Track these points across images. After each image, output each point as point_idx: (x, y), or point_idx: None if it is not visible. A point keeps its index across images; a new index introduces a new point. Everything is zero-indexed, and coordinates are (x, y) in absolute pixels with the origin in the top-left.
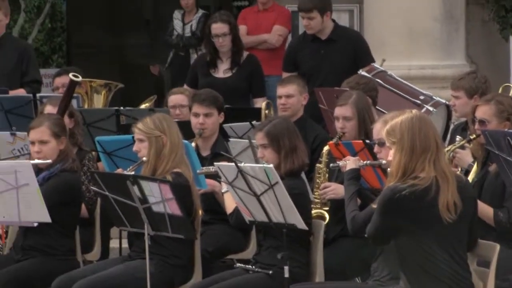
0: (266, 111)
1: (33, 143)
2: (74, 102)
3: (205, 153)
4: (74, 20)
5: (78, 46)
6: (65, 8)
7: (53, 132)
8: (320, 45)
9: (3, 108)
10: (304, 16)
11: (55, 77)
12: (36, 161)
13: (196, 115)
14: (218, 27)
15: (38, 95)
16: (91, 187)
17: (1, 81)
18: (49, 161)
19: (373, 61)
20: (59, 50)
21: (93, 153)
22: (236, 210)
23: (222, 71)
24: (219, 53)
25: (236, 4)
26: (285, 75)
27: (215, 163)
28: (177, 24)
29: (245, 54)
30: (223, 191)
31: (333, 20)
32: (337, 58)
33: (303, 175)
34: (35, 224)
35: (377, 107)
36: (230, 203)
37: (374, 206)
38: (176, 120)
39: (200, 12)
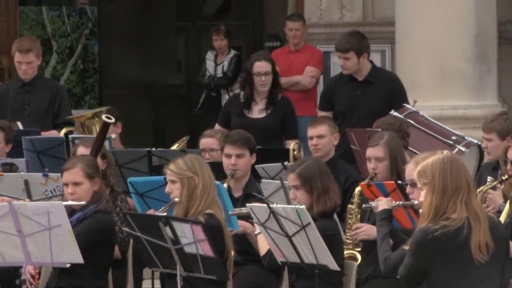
0: (295, 152)
1: (66, 184)
2: (106, 143)
3: (237, 194)
4: (106, 61)
5: (110, 87)
6: (97, 49)
7: (87, 173)
8: (356, 86)
9: (35, 149)
10: (340, 56)
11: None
12: (70, 202)
13: (228, 156)
14: (262, 65)
15: (70, 136)
16: (124, 228)
17: (34, 122)
18: (83, 202)
19: (407, 102)
20: (91, 91)
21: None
22: (270, 252)
23: (257, 111)
24: (254, 93)
25: (268, 44)
26: (320, 113)
27: (247, 204)
28: (210, 65)
29: (280, 95)
30: (256, 232)
31: (371, 62)
32: (372, 99)
33: (335, 215)
34: (68, 265)
35: (409, 147)
36: (263, 245)
37: (406, 247)
38: (208, 161)
39: (232, 52)
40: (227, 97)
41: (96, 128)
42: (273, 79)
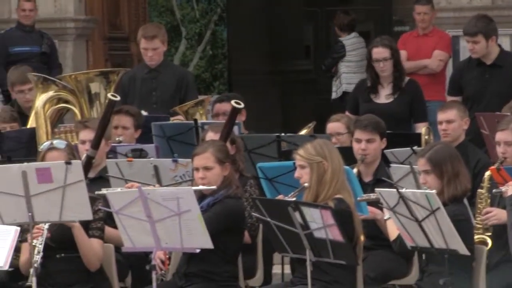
0: (426, 137)
1: (197, 169)
2: (235, 129)
3: (368, 179)
4: (235, 47)
5: (239, 72)
6: (226, 35)
7: (218, 158)
8: (484, 70)
9: (165, 135)
10: (469, 40)
11: (215, 104)
12: (201, 187)
13: (358, 141)
14: (379, 52)
15: (199, 121)
16: (253, 213)
17: (161, 108)
18: (214, 187)
19: None
20: (220, 77)
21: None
22: (400, 237)
23: (384, 96)
24: (380, 78)
25: (396, 29)
26: (449, 98)
27: (376, 189)
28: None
29: (406, 79)
30: (385, 218)
31: (499, 45)
32: (501, 83)
33: (465, 200)
34: (197, 250)
35: None
36: (393, 230)
37: None
38: (337, 146)
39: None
40: None
41: (200, 116)
42: (395, 63)
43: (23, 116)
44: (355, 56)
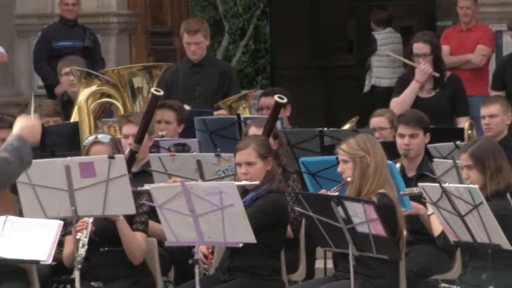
0: (469, 132)
1: (239, 164)
2: (278, 123)
3: (411, 173)
4: (278, 41)
5: (282, 67)
6: (268, 30)
7: (260, 153)
8: None
9: (207, 130)
10: None
11: (261, 97)
12: (244, 182)
13: (402, 136)
14: (419, 47)
15: (242, 116)
16: (296, 207)
17: (204, 103)
18: (256, 182)
19: None
20: (263, 71)
21: None
22: (444, 233)
23: (425, 90)
24: None
25: (439, 24)
26: (492, 93)
27: (419, 184)
28: None
29: (448, 74)
30: (429, 213)
31: None
32: None
33: (508, 195)
34: (240, 245)
35: None
36: (436, 225)
37: None
38: (380, 140)
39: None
40: None
41: (243, 110)
42: (435, 59)
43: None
44: (386, 50)
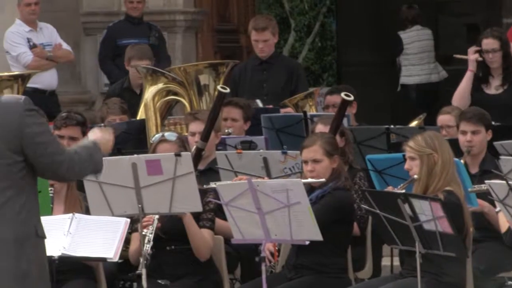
0: None
1: (306, 162)
2: (344, 121)
3: (474, 170)
4: (344, 39)
5: (348, 64)
6: (335, 27)
7: (326, 151)
8: None
9: (274, 127)
10: None
11: (326, 95)
12: (310, 179)
13: (464, 132)
14: (489, 43)
15: (309, 113)
16: (362, 205)
17: (271, 100)
18: (323, 179)
19: None
20: (329, 68)
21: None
22: (511, 230)
23: (494, 87)
24: (490, 69)
25: (506, 21)
26: None
27: (486, 181)
28: None
29: None
30: (496, 210)
31: None
32: None
33: None
34: (307, 243)
35: None
36: (504, 223)
37: None
38: (446, 138)
39: None
40: None
41: (310, 108)
42: (504, 55)
43: (131, 92)
44: (413, 48)
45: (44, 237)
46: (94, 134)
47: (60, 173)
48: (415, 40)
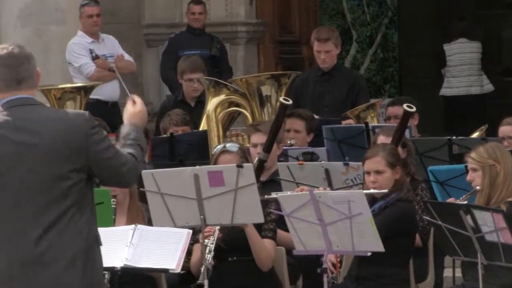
0: None
1: (368, 173)
2: (406, 132)
3: None
4: (406, 50)
5: (410, 76)
6: (396, 38)
7: (389, 162)
8: None
9: (335, 138)
10: None
11: (388, 107)
12: (372, 190)
13: None
14: None
15: (370, 125)
16: (424, 216)
17: (333, 111)
18: (385, 190)
19: None
20: (391, 80)
21: None
22: None
23: None
24: None
25: None
26: None
27: None
28: None
29: None
30: None
31: None
32: None
33: None
34: (369, 254)
35: None
36: None
37: None
38: (509, 149)
39: None
40: None
41: (371, 119)
42: None
43: (185, 105)
44: (453, 61)
45: (101, 244)
46: (127, 113)
47: (125, 181)
48: (456, 53)
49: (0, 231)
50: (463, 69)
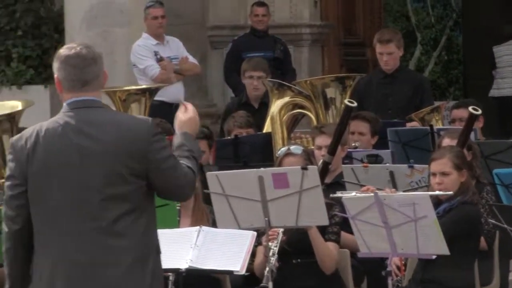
0: None
1: (434, 174)
2: (471, 135)
3: None
4: (471, 52)
5: (475, 78)
6: (461, 40)
7: (455, 164)
8: None
9: (400, 141)
10: None
11: (453, 109)
12: (437, 192)
13: None
14: None
15: (435, 127)
16: (490, 220)
17: (396, 114)
18: (450, 193)
19: None
20: (455, 82)
21: None
22: None
23: None
24: None
25: None
26: None
27: None
28: None
29: None
30: None
31: None
32: None
33: None
34: (434, 257)
35: None
36: None
37: None
38: None
39: None
40: None
41: (436, 122)
42: None
43: (249, 107)
44: (501, 62)
45: (160, 253)
46: (178, 120)
47: (183, 193)
48: (504, 55)
49: (56, 232)
50: (510, 70)
